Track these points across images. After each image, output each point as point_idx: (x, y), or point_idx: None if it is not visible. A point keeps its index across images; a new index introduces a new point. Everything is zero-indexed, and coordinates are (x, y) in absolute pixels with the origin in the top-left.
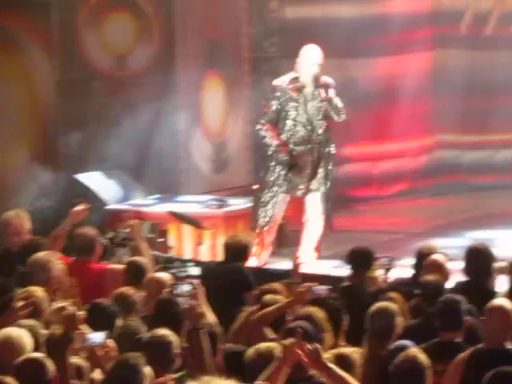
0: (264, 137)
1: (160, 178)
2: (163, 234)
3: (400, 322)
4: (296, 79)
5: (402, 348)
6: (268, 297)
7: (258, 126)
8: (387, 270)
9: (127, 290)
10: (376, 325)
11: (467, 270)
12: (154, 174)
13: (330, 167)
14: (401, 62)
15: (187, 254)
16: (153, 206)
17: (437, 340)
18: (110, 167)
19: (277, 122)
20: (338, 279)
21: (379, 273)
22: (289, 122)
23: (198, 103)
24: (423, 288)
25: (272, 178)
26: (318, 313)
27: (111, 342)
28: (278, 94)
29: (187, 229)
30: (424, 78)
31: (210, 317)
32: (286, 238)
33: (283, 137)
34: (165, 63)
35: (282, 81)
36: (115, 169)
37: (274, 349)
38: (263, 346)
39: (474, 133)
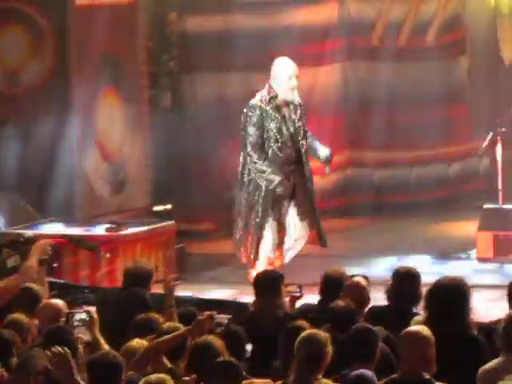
0: (263, 171)
1: (55, 200)
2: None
3: (330, 350)
4: (275, 97)
5: (363, 377)
6: (167, 324)
7: (255, 159)
8: (296, 298)
9: (18, 316)
10: (306, 352)
11: (392, 294)
12: (48, 196)
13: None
14: (308, 75)
15: (84, 280)
16: (47, 229)
17: (348, 371)
18: (2, 188)
19: (263, 143)
20: (244, 306)
21: (287, 299)
22: (274, 145)
23: (94, 121)
24: (333, 314)
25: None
26: (216, 341)
27: (2, 372)
28: (257, 113)
29: (84, 253)
30: (333, 91)
31: (105, 346)
32: (187, 262)
33: (271, 158)
34: (59, 79)
35: (260, 100)
36: (7, 190)
37: (165, 380)
38: (153, 377)
39: (388, 149)
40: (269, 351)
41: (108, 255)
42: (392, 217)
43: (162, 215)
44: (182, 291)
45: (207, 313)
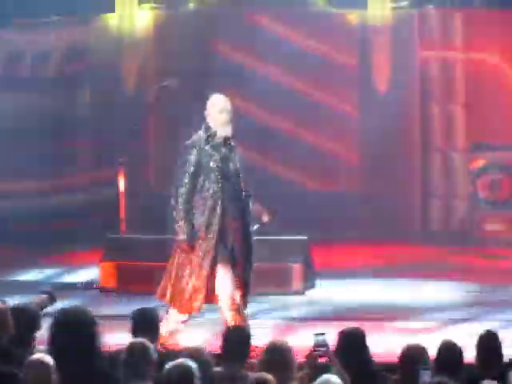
0: (177, 220)
1: None
2: None
3: None
4: (213, 135)
5: None
6: None
7: (177, 203)
8: None
9: None
10: None
11: None
12: None
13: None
14: None
15: None
16: None
17: None
18: None
19: (196, 186)
20: None
21: None
22: (215, 184)
23: None
24: None
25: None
26: None
27: None
28: (194, 153)
29: None
30: None
31: None
32: None
33: (211, 198)
34: None
35: (198, 139)
36: None
37: None
38: None
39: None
40: None
41: None
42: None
43: None
44: None
45: None
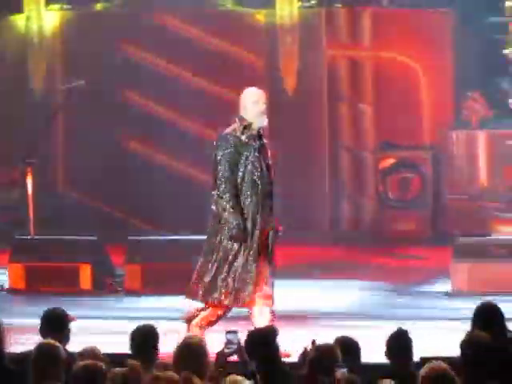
0: (225, 209)
1: None
2: None
3: None
4: (249, 126)
5: None
6: None
7: (221, 194)
8: None
9: None
10: None
11: None
12: None
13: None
14: None
15: None
16: None
17: None
18: None
19: (236, 175)
20: None
21: None
22: (254, 175)
23: None
24: None
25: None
26: None
27: None
28: (231, 143)
29: None
30: None
31: None
32: None
33: (249, 193)
34: None
35: (233, 129)
36: None
37: None
38: None
39: None
40: None
41: None
42: None
43: None
44: None
45: None
